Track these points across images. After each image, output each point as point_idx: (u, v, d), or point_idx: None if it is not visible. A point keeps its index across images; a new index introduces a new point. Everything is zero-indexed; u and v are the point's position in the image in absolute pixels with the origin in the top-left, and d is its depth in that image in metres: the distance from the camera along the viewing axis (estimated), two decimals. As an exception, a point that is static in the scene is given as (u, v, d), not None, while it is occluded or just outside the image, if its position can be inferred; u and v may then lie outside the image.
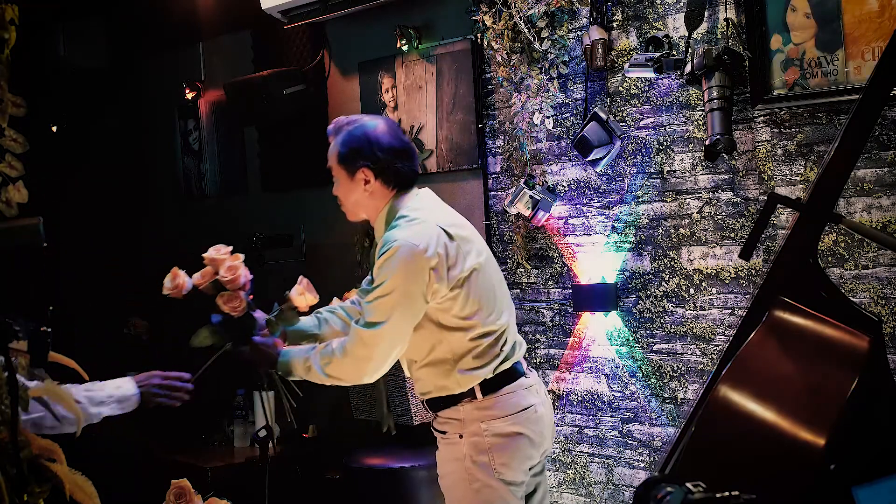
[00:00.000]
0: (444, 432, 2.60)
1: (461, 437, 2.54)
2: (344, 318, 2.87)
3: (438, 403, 2.59)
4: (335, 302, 4.20)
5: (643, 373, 3.58)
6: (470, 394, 2.53)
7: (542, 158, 3.86)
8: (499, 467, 2.50)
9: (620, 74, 3.58)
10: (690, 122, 3.43)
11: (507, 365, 2.55)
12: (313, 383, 2.70)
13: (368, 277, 2.80)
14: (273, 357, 2.67)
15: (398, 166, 2.59)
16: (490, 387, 2.53)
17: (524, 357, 2.66)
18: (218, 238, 5.72)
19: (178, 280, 2.74)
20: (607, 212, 3.66)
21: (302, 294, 2.78)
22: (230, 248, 2.78)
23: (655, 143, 3.52)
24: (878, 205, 3.00)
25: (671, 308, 3.49)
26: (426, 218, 2.53)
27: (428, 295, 2.46)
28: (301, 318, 2.85)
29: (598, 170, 3.63)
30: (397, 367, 3.91)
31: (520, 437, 2.52)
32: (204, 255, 2.74)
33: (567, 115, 3.78)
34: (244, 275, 2.74)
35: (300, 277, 2.85)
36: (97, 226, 5.70)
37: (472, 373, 2.51)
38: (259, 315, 2.81)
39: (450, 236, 2.50)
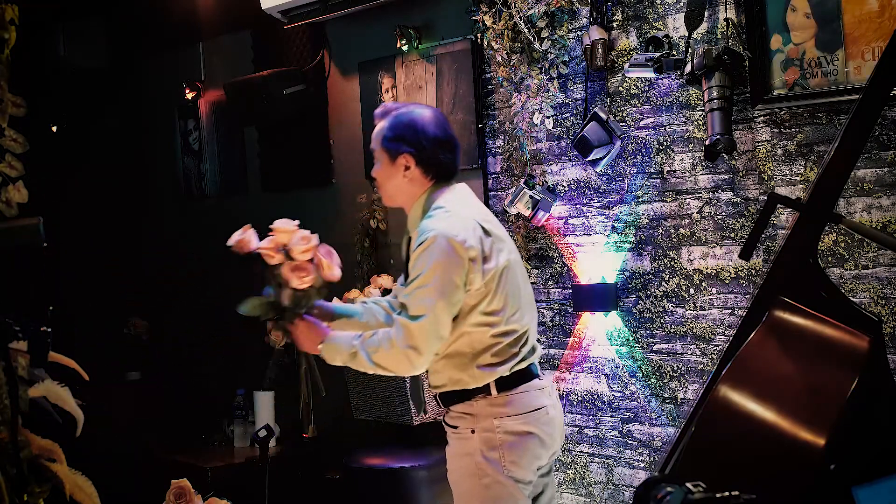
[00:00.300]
0: (455, 427, 2.61)
1: (473, 432, 2.55)
2: (387, 309, 2.85)
3: (452, 397, 2.60)
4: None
5: (643, 373, 3.58)
6: (485, 390, 2.54)
7: (542, 158, 3.86)
8: (508, 465, 2.51)
9: (620, 74, 3.58)
10: (690, 122, 3.43)
11: (524, 365, 2.57)
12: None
13: (403, 274, 2.75)
14: (320, 338, 2.64)
15: (440, 157, 2.61)
16: (505, 385, 2.54)
17: (538, 361, 2.68)
18: (218, 238, 5.72)
19: (247, 236, 2.71)
20: (607, 212, 3.66)
21: (330, 268, 2.77)
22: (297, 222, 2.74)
23: (655, 143, 3.52)
24: (878, 205, 3.00)
25: (671, 308, 3.49)
26: (463, 211, 2.56)
27: (466, 285, 2.48)
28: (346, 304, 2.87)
29: (598, 170, 3.63)
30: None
31: (531, 436, 2.53)
32: (273, 225, 2.73)
33: (567, 115, 3.78)
34: (319, 252, 2.71)
35: (326, 249, 2.79)
36: (97, 226, 5.70)
37: (489, 369, 2.53)
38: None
39: (485, 231, 2.53)
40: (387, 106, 2.68)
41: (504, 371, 2.53)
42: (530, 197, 3.74)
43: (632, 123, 3.57)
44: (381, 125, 2.65)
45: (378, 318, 2.81)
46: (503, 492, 2.52)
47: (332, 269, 2.73)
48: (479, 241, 2.49)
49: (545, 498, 2.69)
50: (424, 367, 2.51)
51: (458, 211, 2.55)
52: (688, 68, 3.18)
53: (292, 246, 2.71)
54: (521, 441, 2.53)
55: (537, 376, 2.60)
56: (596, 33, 3.54)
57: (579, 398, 3.77)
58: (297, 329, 2.70)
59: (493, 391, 2.53)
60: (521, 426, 2.53)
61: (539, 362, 2.65)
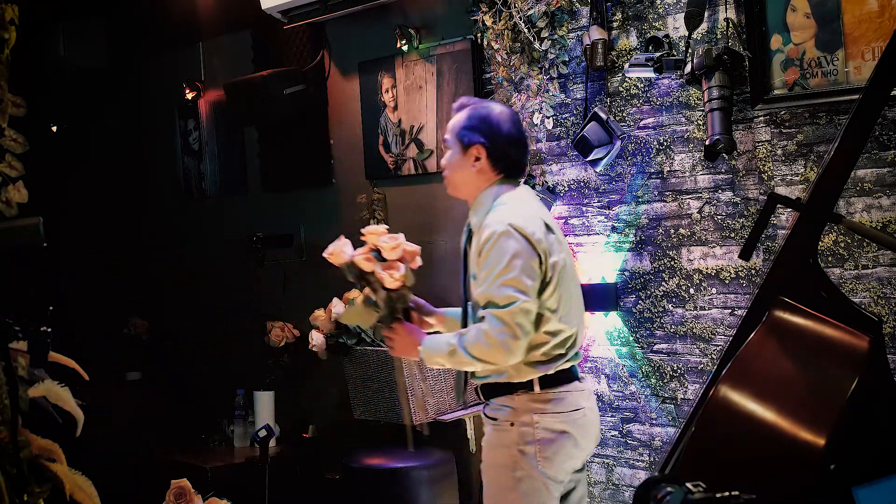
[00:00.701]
0: (494, 419, 2.67)
1: (512, 424, 2.61)
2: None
3: (494, 390, 2.66)
4: (334, 303, 4.21)
5: (643, 373, 3.58)
6: (528, 385, 2.61)
7: (542, 158, 3.86)
8: (542, 460, 2.58)
9: (620, 74, 3.58)
10: (690, 122, 3.43)
11: (567, 365, 2.64)
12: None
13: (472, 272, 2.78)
14: (418, 341, 2.69)
15: (511, 153, 2.70)
16: (548, 382, 2.61)
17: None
18: (218, 238, 5.73)
19: (341, 245, 2.76)
20: (607, 212, 3.66)
21: (414, 258, 2.80)
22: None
23: (655, 143, 3.52)
24: (878, 205, 3.00)
25: (671, 308, 3.49)
26: (525, 207, 2.64)
27: (540, 273, 2.55)
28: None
29: (598, 170, 3.63)
30: (397, 364, 3.91)
31: (566, 436, 2.60)
32: (363, 230, 2.79)
33: (567, 115, 3.78)
34: (405, 247, 2.76)
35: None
36: (97, 226, 5.70)
37: (536, 366, 2.59)
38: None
39: (548, 227, 2.61)
40: (464, 100, 2.78)
41: (549, 369, 2.60)
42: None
43: (632, 123, 3.57)
44: (457, 117, 2.74)
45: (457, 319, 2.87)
46: (534, 486, 2.58)
47: (416, 258, 2.79)
48: (544, 236, 2.56)
49: (577, 495, 2.74)
50: (522, 353, 2.54)
51: (522, 206, 2.63)
52: (688, 68, 3.18)
53: (382, 246, 2.77)
54: (557, 439, 2.59)
55: (578, 378, 2.67)
56: (596, 33, 3.54)
57: (579, 398, 3.77)
58: (396, 335, 2.75)
59: (536, 388, 2.60)
60: (558, 425, 2.59)
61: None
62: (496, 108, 2.72)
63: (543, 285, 2.56)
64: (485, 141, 2.66)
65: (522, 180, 2.82)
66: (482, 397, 2.73)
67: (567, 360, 2.63)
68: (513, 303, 2.48)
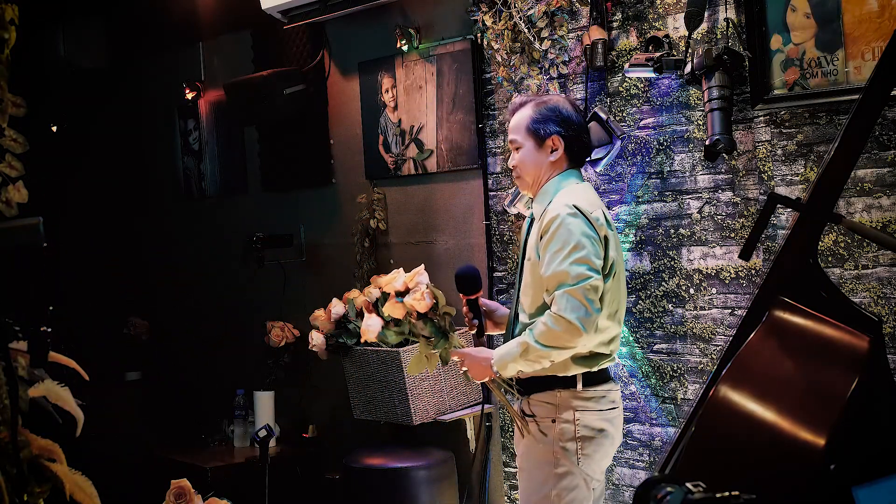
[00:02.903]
0: (534, 415, 2.69)
1: (553, 421, 2.63)
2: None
3: (534, 385, 2.68)
4: (334, 303, 4.20)
5: (643, 373, 3.58)
6: (571, 381, 2.63)
7: (542, 158, 3.86)
8: (582, 457, 2.61)
9: (620, 74, 3.58)
10: (690, 122, 3.43)
11: (608, 365, 2.70)
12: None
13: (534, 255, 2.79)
14: (490, 358, 2.66)
15: (583, 139, 2.80)
16: (591, 380, 2.66)
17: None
18: (218, 238, 5.73)
19: (367, 324, 2.83)
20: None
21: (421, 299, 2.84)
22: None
23: (655, 143, 3.52)
24: (878, 205, 3.00)
25: (671, 308, 3.49)
26: (592, 198, 2.71)
27: (602, 257, 2.58)
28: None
29: (598, 170, 3.63)
30: (396, 365, 3.91)
31: (605, 433, 2.64)
32: (372, 283, 2.83)
33: (567, 115, 3.78)
34: (423, 278, 2.83)
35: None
36: (97, 226, 5.70)
37: (581, 362, 2.62)
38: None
39: (607, 221, 2.67)
40: (521, 98, 2.84)
41: (593, 366, 2.64)
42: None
43: (632, 123, 3.57)
44: (522, 113, 2.79)
45: None
46: (574, 482, 2.62)
47: (419, 279, 2.88)
48: (605, 224, 2.63)
49: (598, 492, 2.76)
50: (594, 331, 2.53)
51: (585, 193, 2.70)
52: (688, 68, 3.18)
53: (396, 287, 2.83)
54: (597, 438, 2.63)
55: (612, 378, 2.73)
56: (596, 33, 3.54)
57: (579, 398, 3.77)
58: (465, 361, 2.73)
59: (579, 384, 2.63)
60: (599, 422, 2.64)
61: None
62: (559, 99, 2.82)
63: (605, 276, 2.59)
64: (561, 130, 2.74)
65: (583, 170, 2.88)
66: (521, 393, 2.74)
67: (609, 360, 2.68)
68: (585, 279, 2.49)
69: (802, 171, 3.16)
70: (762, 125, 3.24)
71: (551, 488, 2.62)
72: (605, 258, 2.60)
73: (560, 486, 2.61)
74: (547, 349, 2.54)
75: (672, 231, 3.49)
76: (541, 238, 2.63)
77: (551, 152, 2.75)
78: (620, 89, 3.60)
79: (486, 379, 2.71)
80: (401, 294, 2.87)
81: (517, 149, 2.80)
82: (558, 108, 2.77)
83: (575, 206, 2.59)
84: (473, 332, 2.82)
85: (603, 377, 2.69)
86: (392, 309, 2.82)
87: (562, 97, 2.87)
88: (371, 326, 2.97)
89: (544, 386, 2.67)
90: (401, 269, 2.91)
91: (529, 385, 2.71)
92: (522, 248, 2.80)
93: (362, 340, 3.12)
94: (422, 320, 2.81)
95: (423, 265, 2.92)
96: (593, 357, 2.65)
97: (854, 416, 1.83)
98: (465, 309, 2.83)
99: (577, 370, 2.63)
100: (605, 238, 2.61)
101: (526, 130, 2.77)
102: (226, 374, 5.13)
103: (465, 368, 2.73)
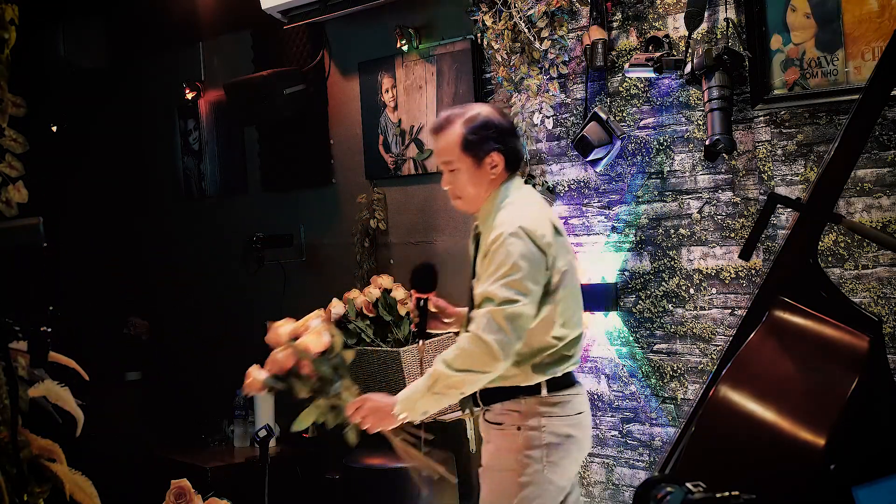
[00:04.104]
0: (499, 423, 2.61)
1: (519, 429, 2.57)
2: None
3: (496, 395, 2.60)
4: (334, 303, 4.20)
5: (643, 373, 3.58)
6: (535, 389, 2.56)
7: (542, 158, 3.86)
8: (548, 465, 2.54)
9: (620, 74, 3.58)
10: (690, 122, 3.43)
11: (572, 368, 2.61)
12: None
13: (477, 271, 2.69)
14: (392, 403, 2.50)
15: (517, 146, 2.66)
16: (556, 386, 2.56)
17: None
18: (218, 238, 5.73)
19: (252, 374, 2.60)
20: (607, 212, 3.66)
21: (318, 334, 2.61)
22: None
23: (655, 143, 3.52)
24: (878, 205, 3.00)
25: (671, 308, 3.49)
26: (537, 207, 2.60)
27: (543, 279, 2.49)
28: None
29: (598, 170, 3.63)
30: (396, 365, 3.91)
31: (572, 439, 2.58)
32: (269, 329, 2.60)
33: (567, 115, 3.78)
34: (317, 322, 2.59)
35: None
36: (97, 226, 5.70)
37: (544, 369, 2.55)
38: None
39: (555, 229, 2.56)
40: (445, 115, 2.65)
41: (556, 372, 2.56)
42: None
43: (632, 123, 3.57)
44: (452, 132, 2.60)
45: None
46: (537, 491, 2.54)
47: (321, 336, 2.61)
48: (553, 240, 2.51)
49: (572, 498, 2.70)
50: (512, 357, 2.43)
51: (531, 207, 2.58)
52: (688, 68, 3.18)
53: (287, 334, 2.63)
54: (564, 444, 2.56)
55: (577, 382, 2.65)
56: (596, 33, 3.54)
57: (579, 398, 3.77)
58: (362, 409, 2.55)
59: (544, 391, 2.55)
60: (565, 428, 2.56)
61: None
62: (486, 110, 2.63)
63: (551, 290, 2.52)
64: (499, 145, 2.58)
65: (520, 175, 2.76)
66: (482, 403, 2.65)
67: (572, 364, 2.61)
68: (511, 303, 2.40)
69: (802, 171, 3.16)
70: (762, 125, 3.24)
71: (513, 497, 2.55)
72: (551, 274, 2.50)
73: (522, 494, 2.54)
74: (459, 374, 2.41)
75: (672, 231, 3.49)
76: (485, 256, 2.52)
77: (491, 168, 2.59)
78: (620, 89, 3.60)
79: (389, 428, 2.54)
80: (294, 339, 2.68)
81: (451, 170, 2.62)
82: (490, 121, 2.59)
83: (520, 227, 2.46)
84: (415, 331, 2.75)
85: (567, 382, 2.59)
86: (280, 362, 2.63)
87: (486, 106, 2.66)
88: (256, 379, 2.72)
89: (508, 395, 2.57)
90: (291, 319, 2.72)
91: (492, 395, 2.60)
92: (472, 267, 2.68)
93: (244, 394, 2.83)
94: (317, 362, 2.55)
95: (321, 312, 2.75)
96: (556, 363, 2.56)
97: (854, 416, 1.83)
98: (412, 306, 2.74)
99: (541, 378, 2.55)
100: (553, 257, 2.49)
101: (461, 150, 2.58)
102: (226, 374, 5.12)
103: (361, 417, 2.54)
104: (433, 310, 2.79)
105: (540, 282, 2.48)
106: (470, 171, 2.60)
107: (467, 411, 2.70)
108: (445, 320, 2.84)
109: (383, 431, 2.59)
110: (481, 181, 2.60)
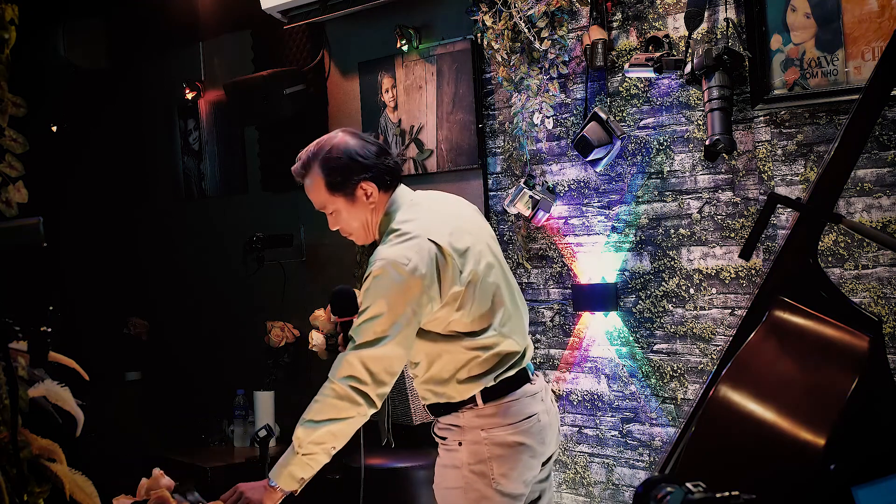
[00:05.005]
0: (444, 438, 2.52)
1: (460, 444, 2.45)
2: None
3: (439, 409, 2.51)
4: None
5: (643, 373, 3.58)
6: (471, 401, 2.43)
7: (542, 158, 3.86)
8: (497, 478, 2.41)
9: (620, 74, 3.58)
10: (690, 122, 3.43)
11: (511, 372, 2.45)
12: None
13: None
14: (264, 483, 2.38)
15: (386, 163, 2.49)
16: (492, 394, 2.43)
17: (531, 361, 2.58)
18: (218, 238, 5.74)
19: None
20: (607, 212, 3.66)
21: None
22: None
23: (655, 143, 3.52)
24: (878, 205, 3.00)
25: (671, 308, 3.49)
26: (418, 232, 2.38)
27: (420, 313, 2.34)
28: None
29: (598, 170, 3.63)
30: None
31: (521, 447, 2.43)
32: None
33: (567, 115, 3.78)
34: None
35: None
36: (97, 226, 5.70)
37: (471, 382, 2.42)
38: None
39: (441, 251, 2.36)
40: (302, 161, 2.52)
41: (488, 382, 2.42)
42: (530, 197, 3.74)
43: (632, 123, 3.57)
44: (312, 178, 2.49)
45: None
46: None
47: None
48: (431, 265, 2.33)
49: (545, 498, 2.62)
50: (374, 404, 2.30)
51: (415, 232, 2.38)
52: (688, 68, 3.18)
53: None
54: (511, 453, 2.42)
55: (528, 381, 2.49)
56: (596, 33, 3.54)
57: (579, 398, 3.77)
58: (238, 496, 2.40)
59: (479, 402, 2.43)
60: (510, 437, 2.42)
61: (540, 362, 2.60)
62: (340, 138, 2.49)
63: (454, 305, 2.37)
64: (364, 173, 2.44)
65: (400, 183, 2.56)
66: (430, 415, 2.57)
67: (510, 367, 2.44)
68: (373, 344, 2.28)
69: (802, 171, 3.16)
70: (762, 125, 3.24)
71: None
72: (454, 285, 2.35)
73: None
74: (322, 427, 2.27)
75: (672, 231, 3.49)
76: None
77: (367, 198, 2.46)
78: (620, 89, 3.60)
79: (271, 502, 2.37)
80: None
81: (330, 213, 2.52)
82: (346, 150, 2.44)
83: (388, 260, 2.31)
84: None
85: (508, 386, 2.43)
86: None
87: (340, 135, 2.50)
88: None
89: (448, 409, 2.46)
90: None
91: (434, 409, 2.51)
92: None
93: None
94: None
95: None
96: (486, 372, 2.41)
97: (854, 416, 1.83)
98: (340, 335, 2.52)
99: (473, 390, 2.41)
100: (432, 283, 2.32)
101: (329, 194, 2.47)
102: (226, 374, 5.14)
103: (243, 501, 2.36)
104: None
105: (412, 317, 2.30)
106: (347, 208, 2.49)
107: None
108: None
109: None
110: (362, 213, 2.49)
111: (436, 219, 2.47)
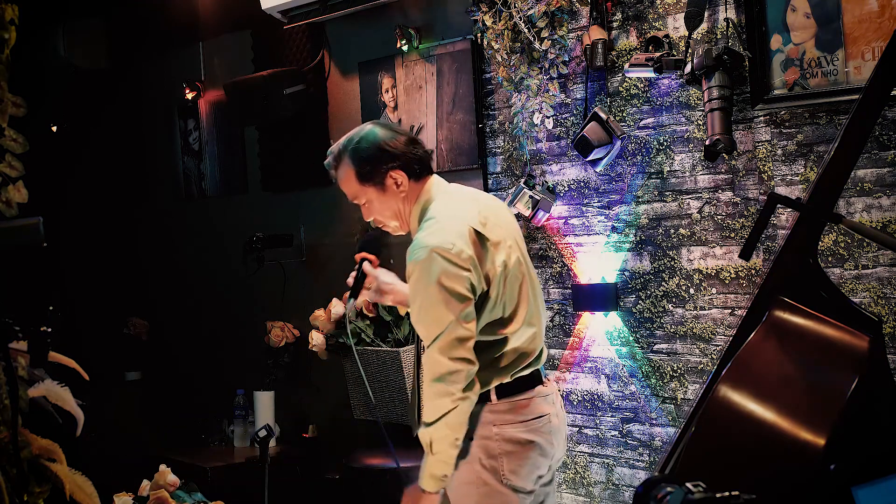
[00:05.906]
0: None
1: (472, 439, 2.47)
2: None
3: None
4: (334, 303, 4.20)
5: (643, 373, 3.58)
6: (484, 396, 2.46)
7: (542, 158, 3.86)
8: (507, 473, 2.44)
9: (620, 74, 3.58)
10: (690, 122, 3.43)
11: (527, 371, 2.49)
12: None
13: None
14: (419, 491, 2.45)
15: (415, 152, 2.53)
16: (506, 391, 2.46)
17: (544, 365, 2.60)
18: (218, 238, 5.74)
19: None
20: (607, 212, 3.66)
21: None
22: None
23: (655, 143, 3.52)
24: (878, 205, 3.00)
25: (671, 308, 3.49)
26: (458, 218, 2.43)
27: (473, 291, 2.38)
28: None
29: (598, 170, 3.63)
30: (396, 365, 3.91)
31: (531, 445, 2.46)
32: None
33: (567, 115, 3.78)
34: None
35: None
36: (97, 226, 5.70)
37: (490, 375, 2.45)
38: None
39: (479, 235, 2.41)
40: (334, 153, 2.57)
41: (504, 378, 2.46)
42: (530, 197, 3.74)
43: (632, 123, 3.57)
44: (343, 169, 2.54)
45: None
46: (500, 501, 2.45)
47: None
48: (472, 248, 2.37)
49: (549, 500, 2.62)
50: (470, 386, 2.35)
51: (450, 218, 2.43)
52: (688, 68, 3.18)
53: None
54: (521, 450, 2.45)
55: (541, 382, 2.53)
56: (596, 33, 3.54)
57: (579, 398, 3.77)
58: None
59: (493, 397, 2.46)
60: (521, 434, 2.45)
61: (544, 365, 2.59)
62: (365, 130, 2.54)
63: (484, 297, 2.41)
64: (394, 162, 2.49)
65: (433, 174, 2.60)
66: None
67: (527, 366, 2.48)
68: (437, 336, 2.33)
69: (802, 171, 3.16)
70: (762, 125, 3.24)
71: None
72: (481, 283, 2.38)
73: None
74: (437, 424, 2.35)
75: (672, 231, 3.49)
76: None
77: (397, 187, 2.50)
78: (620, 89, 3.60)
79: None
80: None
81: (363, 204, 2.57)
82: (375, 140, 2.49)
83: (431, 247, 2.34)
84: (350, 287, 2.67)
85: (522, 385, 2.47)
86: None
87: (369, 126, 2.55)
88: None
89: None
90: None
91: None
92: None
93: None
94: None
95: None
96: (504, 368, 2.45)
97: (854, 416, 1.83)
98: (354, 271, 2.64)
99: (488, 385, 2.44)
100: (474, 267, 2.36)
101: (360, 184, 2.52)
102: (226, 374, 5.13)
103: None
104: (367, 273, 2.69)
105: (465, 299, 2.35)
106: (378, 198, 2.53)
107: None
108: (369, 287, 2.71)
109: None
110: (394, 202, 2.53)
111: (471, 208, 2.50)
